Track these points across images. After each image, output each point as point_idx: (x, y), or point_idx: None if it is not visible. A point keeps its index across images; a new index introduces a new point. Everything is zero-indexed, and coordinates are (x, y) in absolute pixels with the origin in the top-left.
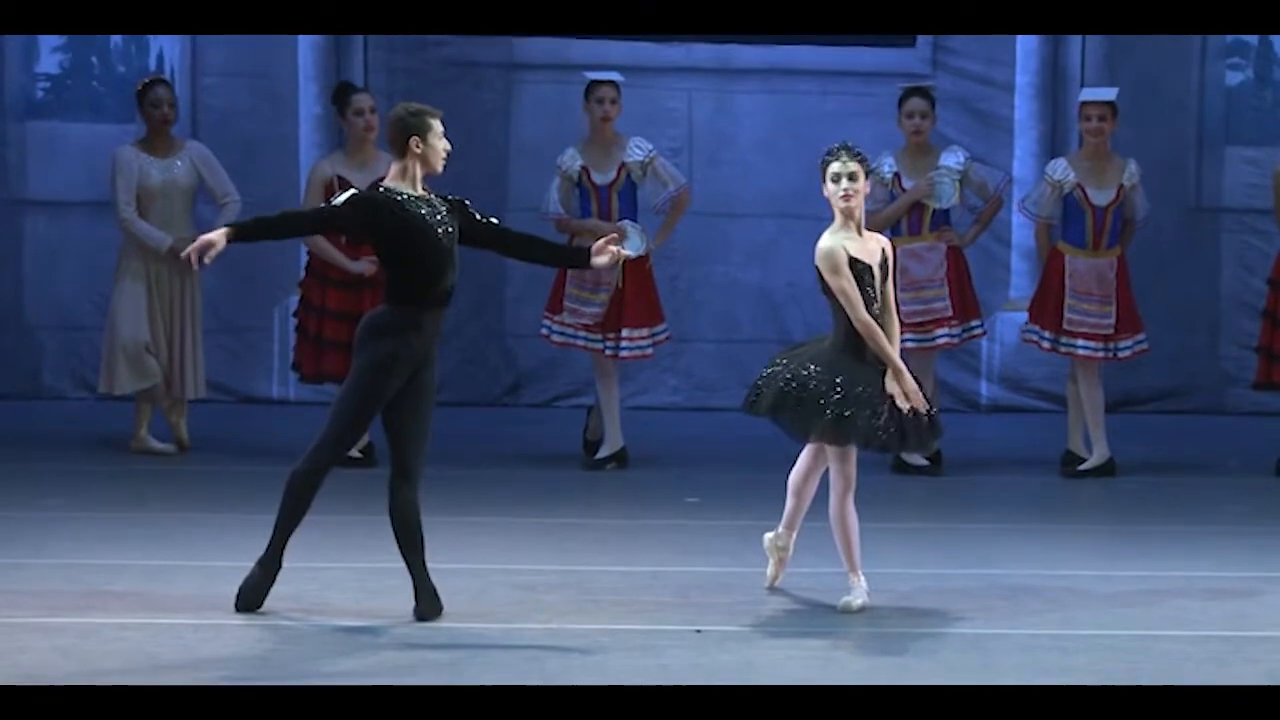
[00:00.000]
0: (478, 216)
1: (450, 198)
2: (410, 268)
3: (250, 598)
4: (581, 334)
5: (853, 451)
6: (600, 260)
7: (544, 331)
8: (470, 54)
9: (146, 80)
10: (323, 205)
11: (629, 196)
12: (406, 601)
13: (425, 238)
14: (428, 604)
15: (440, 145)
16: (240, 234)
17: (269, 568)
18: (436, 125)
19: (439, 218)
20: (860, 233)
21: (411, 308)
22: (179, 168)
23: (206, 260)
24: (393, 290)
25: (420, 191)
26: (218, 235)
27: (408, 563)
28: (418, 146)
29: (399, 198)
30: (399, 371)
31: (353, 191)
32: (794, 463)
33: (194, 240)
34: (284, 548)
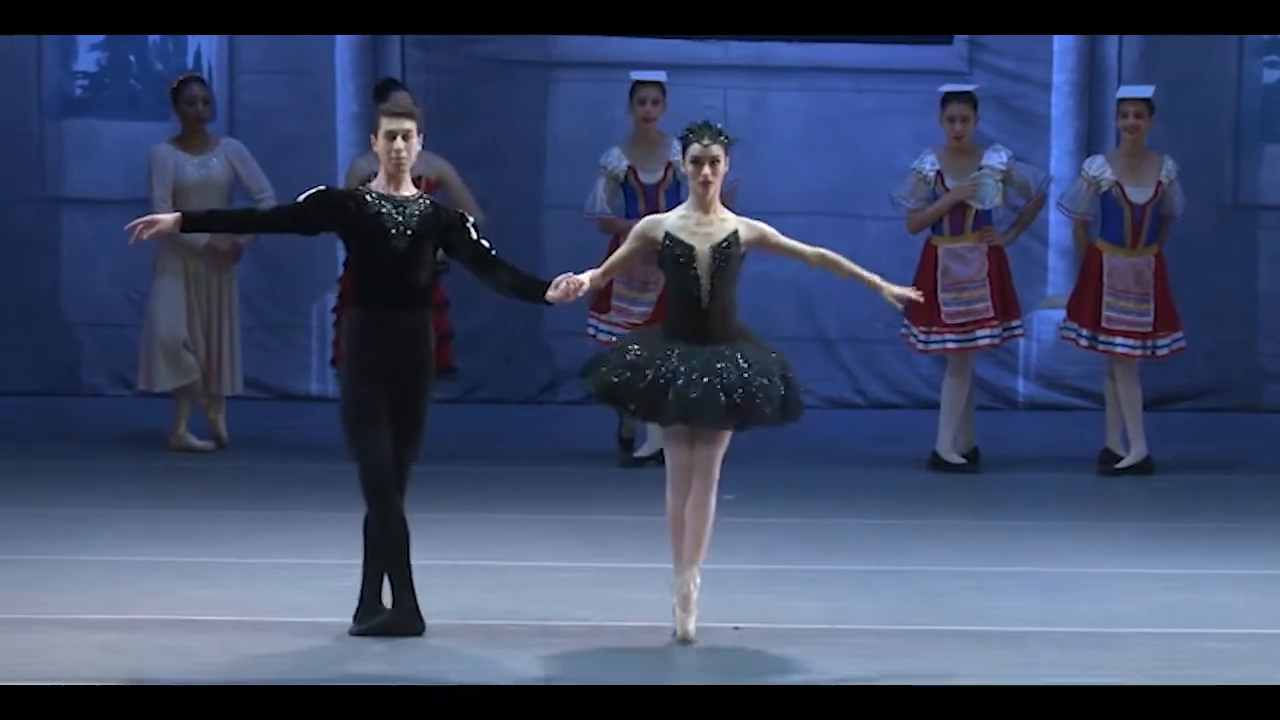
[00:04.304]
0: (472, 235)
1: (451, 210)
2: (366, 267)
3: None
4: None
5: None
6: (553, 294)
7: (590, 331)
8: (507, 52)
9: (181, 78)
10: (283, 204)
11: (676, 195)
12: (446, 599)
13: (377, 238)
14: (370, 617)
15: (382, 146)
16: (192, 223)
17: (372, 611)
18: (384, 123)
19: (401, 219)
20: (709, 212)
21: (372, 308)
22: (214, 164)
23: (145, 238)
24: (355, 291)
25: (395, 191)
26: (167, 219)
27: (371, 570)
28: (374, 145)
29: (366, 196)
30: (369, 373)
31: (318, 188)
32: (834, 459)
33: (229, 242)
34: (378, 593)
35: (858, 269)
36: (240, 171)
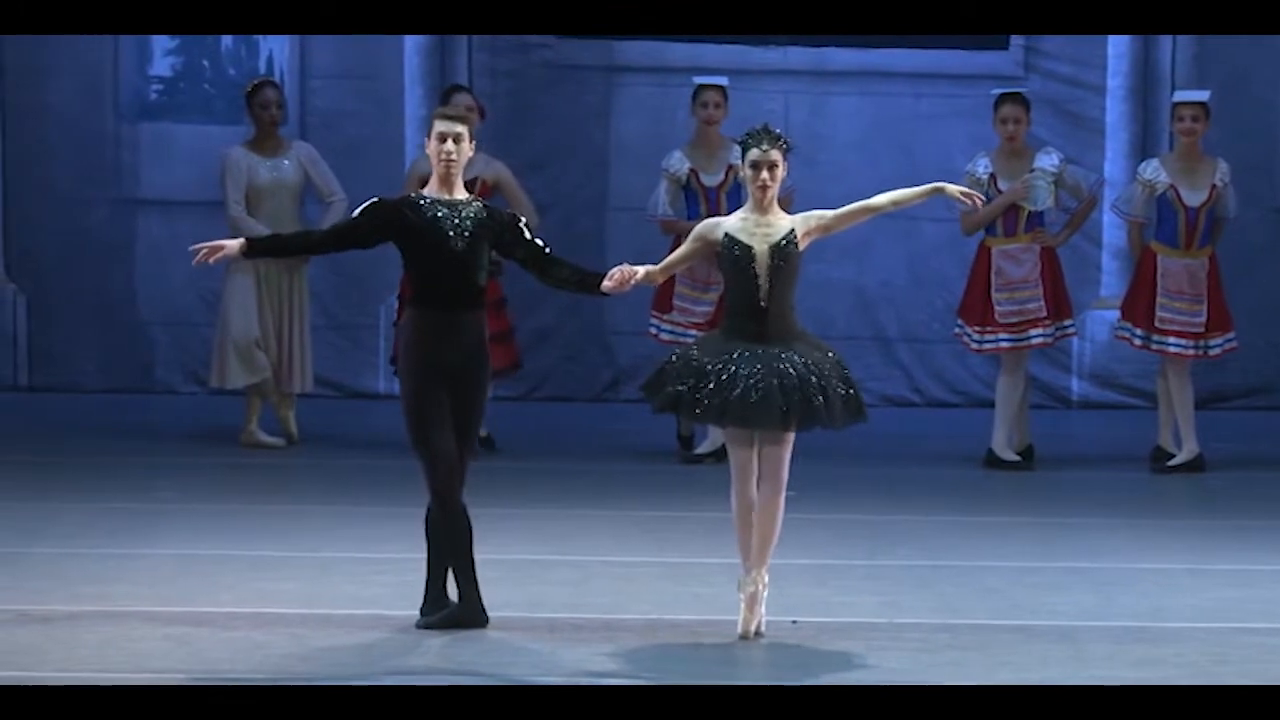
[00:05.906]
0: (525, 235)
1: (504, 212)
2: (425, 271)
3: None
4: (691, 332)
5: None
6: (608, 284)
7: (652, 330)
8: (571, 57)
9: (255, 82)
10: (339, 223)
11: (737, 198)
12: (509, 593)
13: (436, 242)
14: (436, 610)
15: (434, 148)
16: (256, 248)
17: (437, 606)
18: (436, 125)
19: (457, 222)
20: (766, 215)
21: (432, 309)
22: (286, 167)
23: (210, 262)
24: (413, 293)
25: (448, 195)
26: (233, 244)
27: (435, 564)
28: (427, 147)
29: (420, 202)
30: (430, 372)
31: (371, 201)
32: (891, 456)
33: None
34: (444, 589)
35: (919, 189)
36: (311, 174)
